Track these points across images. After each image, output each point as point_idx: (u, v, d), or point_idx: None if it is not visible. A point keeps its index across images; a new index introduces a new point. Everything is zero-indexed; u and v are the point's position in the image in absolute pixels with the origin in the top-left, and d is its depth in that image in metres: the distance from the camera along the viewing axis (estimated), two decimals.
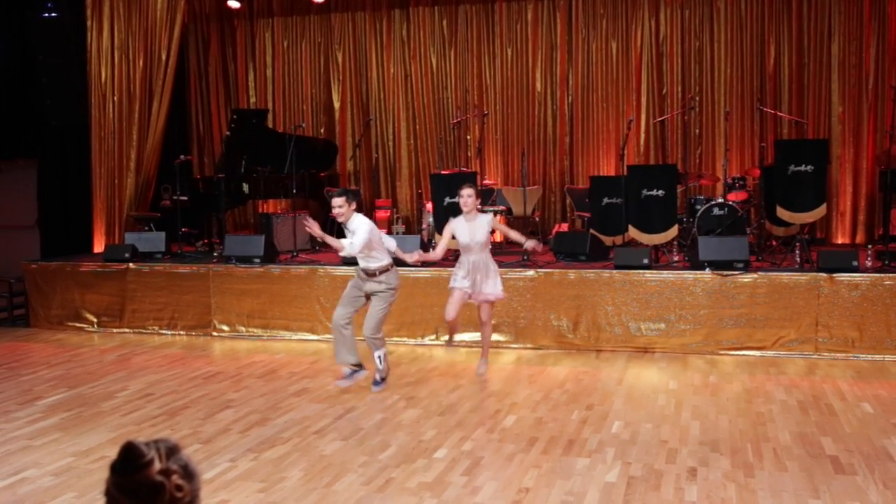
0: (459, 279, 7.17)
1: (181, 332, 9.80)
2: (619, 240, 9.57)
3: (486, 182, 11.45)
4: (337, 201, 6.67)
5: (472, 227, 7.05)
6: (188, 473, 1.70)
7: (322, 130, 13.30)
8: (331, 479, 5.05)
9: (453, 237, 7.18)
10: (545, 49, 12.30)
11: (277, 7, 13.42)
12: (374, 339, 6.95)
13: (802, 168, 8.79)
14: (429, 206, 10.52)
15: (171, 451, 1.70)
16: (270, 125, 12.69)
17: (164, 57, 11.46)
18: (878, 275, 8.04)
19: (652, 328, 8.42)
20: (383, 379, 7.08)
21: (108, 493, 1.68)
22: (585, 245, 9.28)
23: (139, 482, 1.64)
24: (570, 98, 12.29)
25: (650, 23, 11.87)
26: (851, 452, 5.37)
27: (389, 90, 12.96)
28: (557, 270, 8.74)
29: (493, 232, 7.73)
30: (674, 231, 9.24)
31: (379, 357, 7.01)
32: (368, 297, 7.01)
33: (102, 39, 11.53)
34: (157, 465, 1.66)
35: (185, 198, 10.98)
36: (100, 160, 11.65)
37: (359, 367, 7.05)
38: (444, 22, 12.67)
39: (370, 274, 6.89)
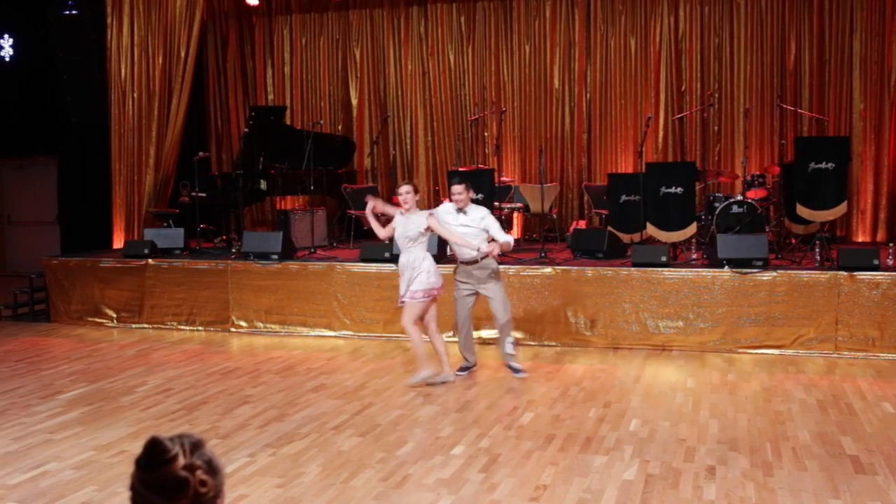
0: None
1: (199, 328, 9.86)
2: (637, 237, 9.53)
3: (504, 179, 11.44)
4: (458, 188, 7.04)
5: (406, 222, 7.01)
6: (212, 468, 1.71)
7: (340, 127, 13.32)
8: (348, 475, 5.07)
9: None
10: (563, 46, 12.27)
11: (295, 4, 13.45)
12: (509, 323, 7.23)
13: (823, 165, 8.73)
14: (446, 202, 10.52)
15: (196, 446, 1.71)
16: (288, 122, 12.73)
17: (183, 54, 11.53)
18: None
19: (670, 326, 8.38)
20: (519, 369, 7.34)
21: (134, 489, 1.69)
22: (603, 242, 9.26)
23: (164, 477, 1.66)
24: (588, 95, 12.26)
25: (669, 19, 11.81)
26: (872, 452, 5.33)
27: (407, 87, 12.96)
28: (575, 268, 8.72)
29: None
30: (692, 229, 9.20)
31: (511, 342, 7.23)
32: (477, 289, 7.21)
33: (122, 37, 11.61)
34: (182, 461, 1.67)
35: (203, 194, 11.03)
36: (119, 157, 11.74)
37: (473, 366, 7.48)
38: (462, 19, 12.65)
39: (473, 262, 7.10)
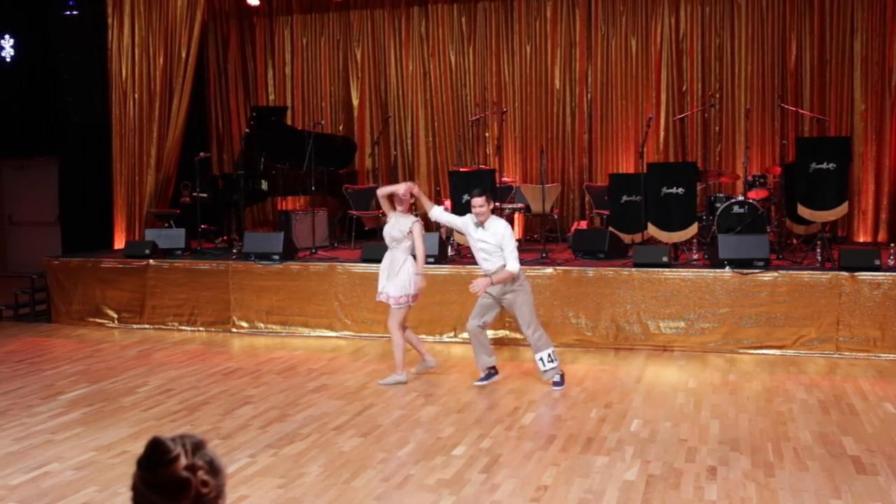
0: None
1: (201, 329, 9.86)
2: (638, 238, 9.53)
3: (505, 179, 11.45)
4: (478, 201, 6.71)
5: (395, 223, 7.08)
6: (214, 469, 1.71)
7: (341, 128, 13.33)
8: (350, 476, 5.07)
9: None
10: (564, 46, 12.27)
11: (296, 4, 13.45)
12: (538, 341, 6.85)
13: (824, 166, 8.72)
14: (447, 203, 10.52)
15: (197, 446, 1.71)
16: (289, 122, 12.73)
17: (184, 54, 11.53)
18: None
19: (671, 326, 8.38)
20: (560, 379, 6.97)
21: (135, 489, 1.69)
22: (604, 243, 9.25)
23: (165, 478, 1.66)
24: (589, 95, 12.25)
25: (670, 19, 11.81)
26: (873, 452, 5.33)
27: (408, 87, 12.96)
28: (576, 268, 8.72)
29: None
30: (693, 229, 9.20)
31: (541, 359, 6.87)
32: (499, 303, 6.93)
33: (123, 37, 11.61)
34: (183, 461, 1.67)
35: (204, 195, 11.04)
36: (120, 157, 11.74)
37: (494, 370, 7.10)
38: (463, 19, 12.65)
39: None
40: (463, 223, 7.04)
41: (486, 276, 6.82)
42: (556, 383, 6.96)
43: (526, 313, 6.87)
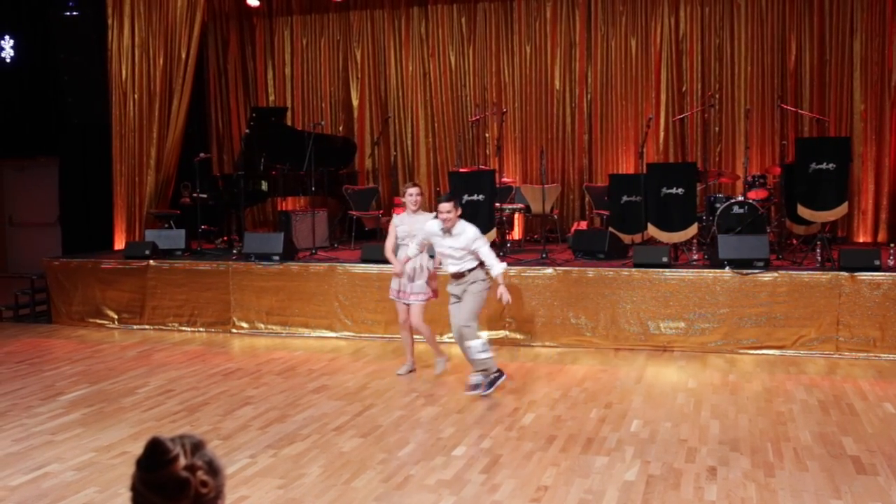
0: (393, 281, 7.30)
1: (201, 329, 9.86)
2: (638, 238, 9.54)
3: (505, 180, 11.44)
4: (445, 206, 6.50)
5: (412, 222, 7.09)
6: (213, 469, 1.71)
7: (341, 128, 13.33)
8: (350, 476, 5.07)
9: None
10: (564, 46, 12.27)
11: (296, 5, 13.46)
12: (465, 327, 6.54)
13: (824, 166, 8.73)
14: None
15: (197, 446, 1.71)
16: (289, 123, 12.73)
17: (184, 55, 11.53)
18: None
19: (671, 327, 8.38)
20: (490, 384, 6.70)
21: (135, 489, 1.69)
22: (604, 243, 9.25)
23: (165, 478, 1.66)
24: (588, 96, 12.26)
25: (670, 20, 11.81)
26: (873, 453, 5.33)
27: (408, 88, 12.97)
28: (576, 268, 8.72)
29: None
30: (693, 229, 9.20)
31: (470, 347, 6.56)
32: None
33: (123, 38, 11.61)
34: (183, 461, 1.67)
35: (204, 195, 11.04)
36: (120, 158, 11.74)
37: (500, 372, 6.78)
38: (463, 20, 12.66)
39: (459, 276, 6.63)
40: (427, 233, 6.77)
41: (497, 283, 6.56)
42: (472, 386, 6.69)
43: (472, 306, 6.58)
